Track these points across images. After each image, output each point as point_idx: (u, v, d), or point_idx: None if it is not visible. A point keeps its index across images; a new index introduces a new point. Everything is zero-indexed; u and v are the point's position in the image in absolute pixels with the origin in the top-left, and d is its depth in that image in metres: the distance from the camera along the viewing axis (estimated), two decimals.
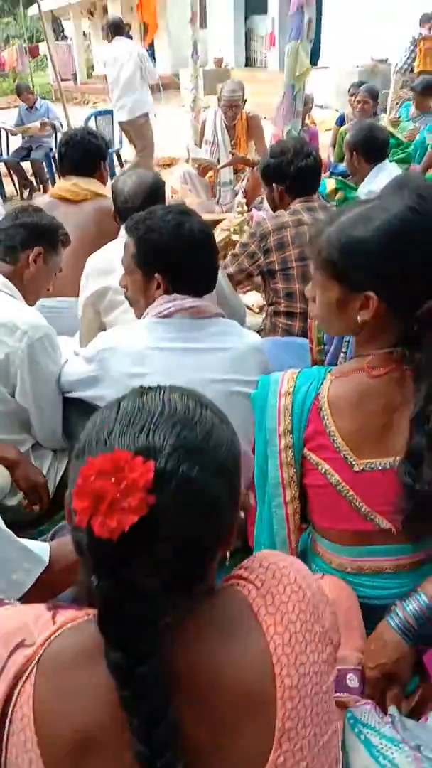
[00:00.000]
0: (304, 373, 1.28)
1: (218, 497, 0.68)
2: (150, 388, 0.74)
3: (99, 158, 2.79)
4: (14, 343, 1.73)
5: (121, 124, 6.53)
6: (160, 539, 0.62)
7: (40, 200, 2.87)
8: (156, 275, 1.60)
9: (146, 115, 6.35)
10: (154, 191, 2.19)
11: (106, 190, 2.70)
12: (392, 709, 1.08)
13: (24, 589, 1.11)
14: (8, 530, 1.15)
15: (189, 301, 1.57)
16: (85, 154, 2.74)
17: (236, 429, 0.77)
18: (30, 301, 1.96)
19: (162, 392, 0.73)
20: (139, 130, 6.40)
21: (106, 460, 0.61)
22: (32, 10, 18.90)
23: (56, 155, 6.82)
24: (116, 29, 6.21)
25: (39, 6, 7.84)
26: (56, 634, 0.72)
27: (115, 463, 0.61)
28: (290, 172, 2.41)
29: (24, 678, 0.69)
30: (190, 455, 0.66)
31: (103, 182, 2.80)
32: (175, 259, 1.58)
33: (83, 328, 2.22)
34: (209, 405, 0.74)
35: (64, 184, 2.75)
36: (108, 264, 2.08)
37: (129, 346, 1.57)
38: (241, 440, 0.78)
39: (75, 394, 1.79)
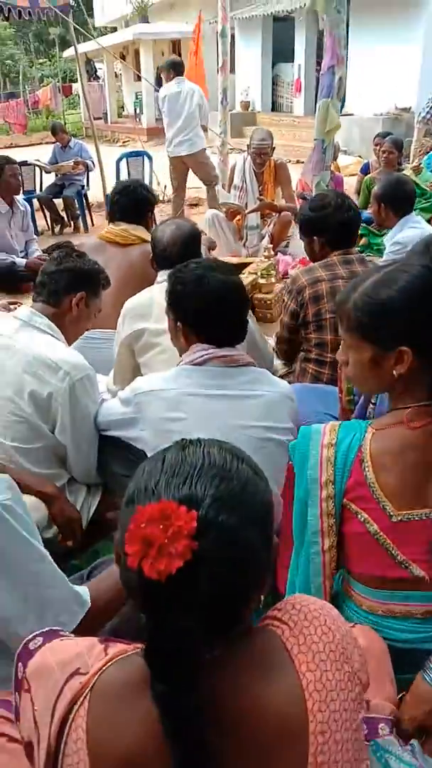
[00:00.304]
0: (345, 425, 1.33)
1: (254, 544, 0.73)
2: (191, 441, 0.80)
3: (147, 208, 3.01)
4: (57, 382, 1.81)
5: (176, 158, 6.46)
6: (202, 581, 0.67)
7: (90, 241, 3.04)
8: (178, 324, 1.68)
9: (204, 149, 6.47)
10: (192, 240, 2.30)
11: None
12: (413, 741, 1.12)
13: (68, 631, 1.12)
14: (62, 573, 1.18)
15: (222, 350, 1.64)
16: (136, 204, 2.96)
17: (266, 473, 0.83)
18: (69, 341, 2.05)
19: (202, 446, 0.78)
20: (199, 161, 6.45)
21: (154, 509, 0.67)
22: (67, 52, 19.70)
23: (86, 194, 7.14)
24: (177, 67, 6.35)
25: (76, 49, 8.25)
26: (108, 664, 0.78)
27: (163, 511, 0.67)
28: (331, 226, 2.42)
29: (79, 703, 0.75)
30: (228, 505, 0.71)
31: (149, 229, 2.95)
32: (193, 312, 1.65)
33: (117, 367, 2.30)
34: (245, 458, 0.80)
35: (114, 229, 2.93)
36: (145, 308, 2.18)
37: (164, 391, 1.63)
38: (271, 484, 0.84)
39: (111, 433, 1.86)
